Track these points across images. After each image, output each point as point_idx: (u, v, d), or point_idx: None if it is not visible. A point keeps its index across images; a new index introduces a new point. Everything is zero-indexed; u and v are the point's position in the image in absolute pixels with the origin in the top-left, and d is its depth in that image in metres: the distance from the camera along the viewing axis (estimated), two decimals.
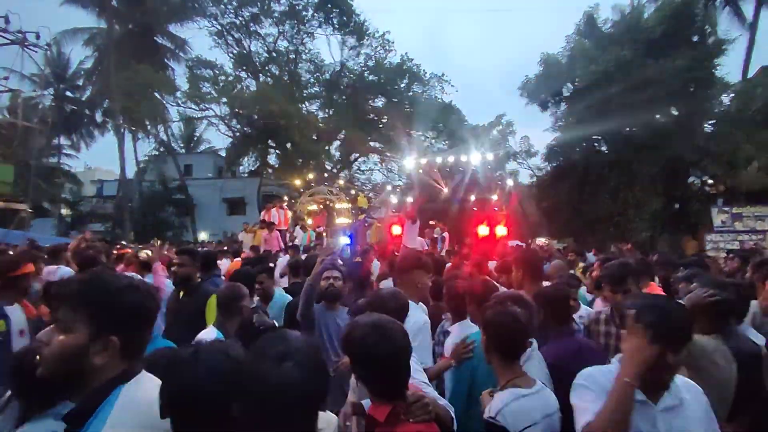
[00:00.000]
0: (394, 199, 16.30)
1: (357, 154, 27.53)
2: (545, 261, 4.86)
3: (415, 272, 2.83)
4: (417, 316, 2.55)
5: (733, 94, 16.77)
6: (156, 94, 22.36)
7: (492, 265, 5.39)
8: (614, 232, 18.42)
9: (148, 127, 24.54)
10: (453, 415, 1.77)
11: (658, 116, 17.44)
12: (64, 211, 27.95)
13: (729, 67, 17.25)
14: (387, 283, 4.52)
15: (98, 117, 28.02)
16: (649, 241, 18.35)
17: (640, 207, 16.89)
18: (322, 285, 3.17)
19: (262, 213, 12.69)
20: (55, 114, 25.28)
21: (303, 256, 6.50)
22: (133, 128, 24.39)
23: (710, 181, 17.60)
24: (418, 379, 1.88)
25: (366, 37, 25.37)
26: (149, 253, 4.64)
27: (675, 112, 17.50)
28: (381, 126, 25.58)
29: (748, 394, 1.96)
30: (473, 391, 2.11)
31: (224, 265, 6.21)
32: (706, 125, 17.26)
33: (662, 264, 4.51)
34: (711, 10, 17.97)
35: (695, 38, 17.02)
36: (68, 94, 27.82)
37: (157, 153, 28.06)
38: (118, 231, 24.26)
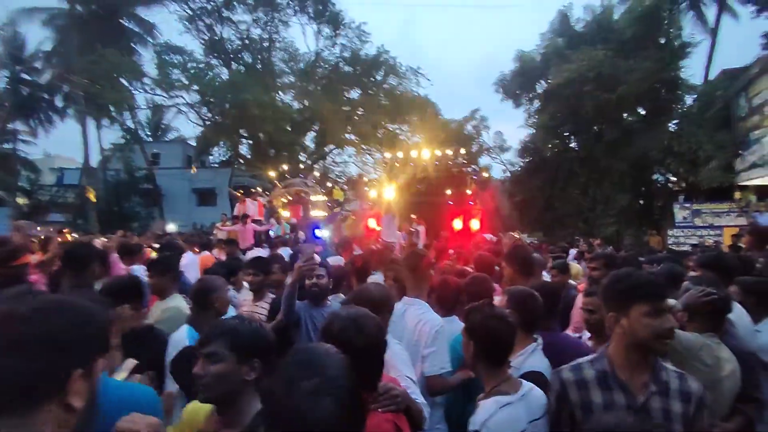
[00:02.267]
0: (370, 193, 16.26)
1: (332, 146, 27.27)
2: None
3: (425, 271, 2.82)
4: (433, 318, 2.54)
5: (695, 96, 17.53)
6: (122, 80, 21.41)
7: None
8: (583, 227, 19.04)
9: (113, 113, 23.50)
10: (426, 412, 1.79)
11: (626, 115, 18.06)
12: (21, 200, 26.51)
13: (692, 70, 18.06)
14: (377, 278, 4.50)
15: (58, 102, 26.60)
16: (616, 236, 19.08)
17: (608, 203, 17.50)
18: (307, 284, 3.13)
19: (237, 205, 12.40)
20: (11, 97, 23.85)
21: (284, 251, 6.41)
22: (97, 115, 23.29)
23: (673, 179, 18.40)
24: (403, 373, 1.89)
25: (342, 28, 25.03)
26: (104, 240, 4.35)
27: (642, 112, 18.16)
28: (356, 118, 25.38)
29: (743, 393, 2.03)
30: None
31: (187, 257, 5.86)
32: (670, 124, 17.99)
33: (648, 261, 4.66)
34: (676, 14, 18.67)
35: (662, 40, 17.66)
36: (25, 76, 26.26)
37: (123, 141, 26.96)
38: (80, 221, 23.21)
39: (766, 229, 5.27)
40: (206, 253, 6.67)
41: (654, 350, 1.57)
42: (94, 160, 25.78)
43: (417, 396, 1.84)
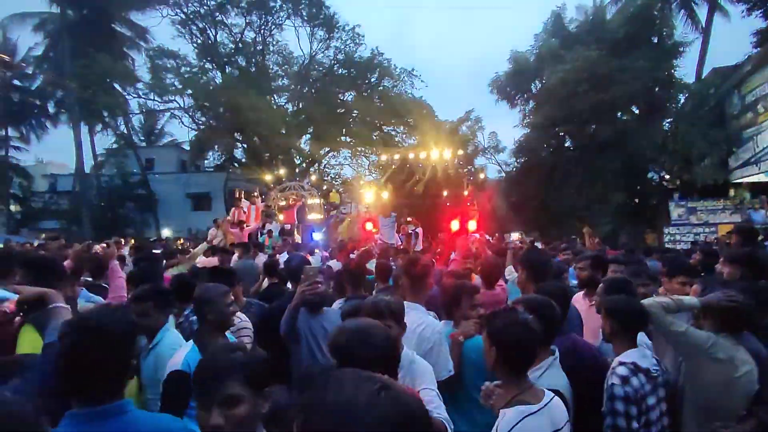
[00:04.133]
0: (366, 195, 16.22)
1: (327, 149, 27.23)
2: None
3: (422, 276, 2.79)
4: (433, 323, 2.53)
5: (688, 94, 17.65)
6: (115, 85, 21.29)
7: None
8: (579, 226, 19.09)
9: (106, 119, 23.34)
10: (450, 428, 1.74)
11: (620, 114, 18.16)
12: (14, 208, 26.26)
13: (685, 69, 18.19)
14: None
15: (50, 108, 26.37)
16: (612, 234, 19.14)
17: (603, 202, 17.55)
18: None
19: (232, 210, 12.30)
20: (2, 103, 23.63)
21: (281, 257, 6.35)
22: (90, 121, 23.12)
23: (667, 177, 18.50)
24: (426, 386, 1.85)
25: (336, 30, 25.03)
26: (104, 246, 4.18)
27: (636, 111, 18.26)
28: (351, 120, 25.36)
29: (759, 396, 2.02)
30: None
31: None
32: (664, 123, 18.10)
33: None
34: (668, 13, 18.80)
35: (655, 40, 17.78)
36: (16, 82, 26.02)
37: (116, 146, 26.77)
38: (74, 228, 23.02)
39: (751, 228, 5.26)
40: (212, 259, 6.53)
41: None
42: (88, 166, 25.58)
43: (440, 410, 1.78)
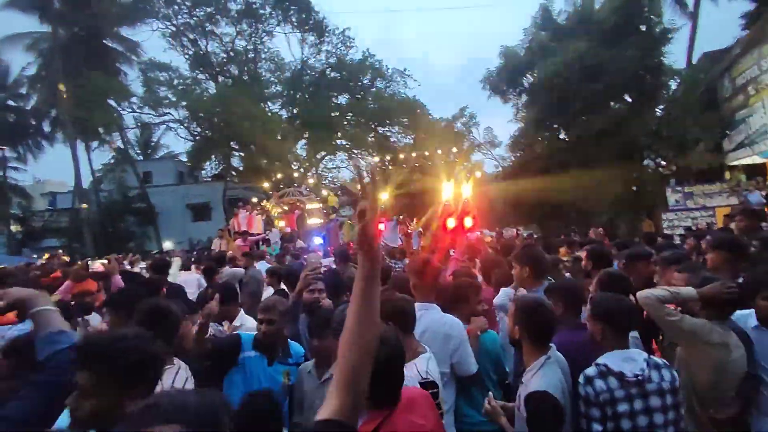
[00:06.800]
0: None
1: (324, 153, 27.32)
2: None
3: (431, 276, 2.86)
4: (453, 321, 2.60)
5: (679, 80, 17.70)
6: (110, 101, 21.36)
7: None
8: (576, 216, 19.15)
9: (103, 135, 23.41)
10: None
11: (613, 103, 18.21)
12: (14, 228, 26.29)
13: (675, 55, 18.24)
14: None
15: (46, 127, 26.43)
16: (609, 223, 19.20)
17: (601, 191, 17.59)
18: (307, 298, 3.16)
19: (231, 220, 12.38)
20: None
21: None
22: (86, 138, 23.18)
23: (663, 163, 18.55)
24: None
25: (326, 34, 25.16)
26: (105, 262, 4.21)
27: (629, 99, 18.31)
28: (346, 123, 25.46)
29: (745, 377, 2.11)
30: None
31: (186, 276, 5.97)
32: (657, 110, 18.15)
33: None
34: (656, 0, 18.86)
35: (643, 28, 17.83)
36: (10, 103, 26.10)
37: (113, 161, 26.84)
38: (75, 245, 23.08)
39: (754, 210, 5.34)
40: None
41: None
42: (86, 183, 25.66)
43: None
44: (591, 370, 1.97)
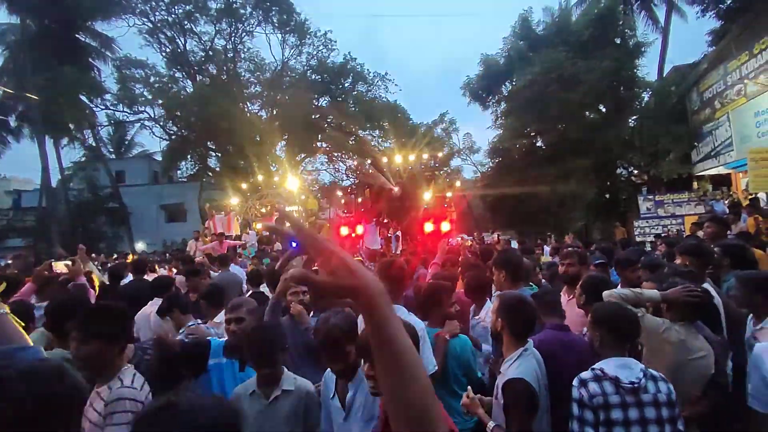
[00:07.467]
0: (342, 200, 16.22)
1: (303, 155, 27.10)
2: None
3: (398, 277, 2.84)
4: (416, 322, 2.57)
5: (651, 92, 18.34)
6: (82, 97, 20.66)
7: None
8: (553, 222, 19.54)
9: (73, 132, 22.61)
10: None
11: (588, 113, 18.71)
12: None
13: (647, 68, 18.91)
14: None
15: (12, 122, 25.34)
16: (584, 230, 19.68)
17: (576, 198, 18.00)
18: (290, 300, 3.10)
19: (207, 222, 12.13)
20: None
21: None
22: (56, 134, 22.34)
23: (635, 172, 19.15)
24: None
25: (308, 36, 25.02)
26: (69, 264, 3.96)
27: (603, 109, 18.85)
28: (326, 125, 25.34)
29: (712, 380, 2.18)
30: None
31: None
32: (630, 120, 18.74)
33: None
34: (630, 14, 19.53)
35: (618, 41, 18.42)
36: None
37: (84, 159, 25.95)
38: (42, 245, 22.15)
39: (722, 218, 5.58)
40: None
41: None
42: (55, 181, 24.71)
43: None
44: (586, 374, 1.95)
